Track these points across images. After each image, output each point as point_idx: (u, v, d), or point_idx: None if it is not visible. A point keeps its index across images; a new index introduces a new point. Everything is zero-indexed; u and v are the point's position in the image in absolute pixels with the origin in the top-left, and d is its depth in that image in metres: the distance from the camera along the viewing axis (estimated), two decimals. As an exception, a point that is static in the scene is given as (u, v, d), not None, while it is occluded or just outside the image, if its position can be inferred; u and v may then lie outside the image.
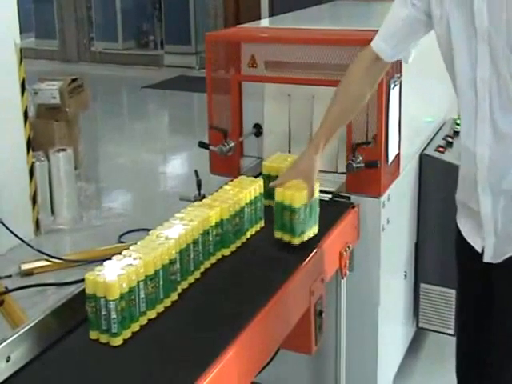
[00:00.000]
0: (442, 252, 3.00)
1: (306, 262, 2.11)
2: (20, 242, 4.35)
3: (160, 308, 1.82)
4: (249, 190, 2.22)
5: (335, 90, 2.20)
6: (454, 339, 3.08)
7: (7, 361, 1.62)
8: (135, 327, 1.74)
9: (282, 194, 2.14)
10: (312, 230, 2.20)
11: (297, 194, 2.11)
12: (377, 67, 2.17)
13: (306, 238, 2.17)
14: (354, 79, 2.19)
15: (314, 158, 2.16)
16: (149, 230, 1.98)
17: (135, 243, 1.86)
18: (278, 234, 2.19)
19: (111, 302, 1.66)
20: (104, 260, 1.79)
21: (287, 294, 1.96)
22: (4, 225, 4.19)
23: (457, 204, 2.06)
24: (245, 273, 2.08)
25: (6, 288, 3.54)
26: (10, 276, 4.17)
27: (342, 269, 2.38)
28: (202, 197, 2.47)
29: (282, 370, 2.62)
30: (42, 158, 5.02)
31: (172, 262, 1.84)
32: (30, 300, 3.79)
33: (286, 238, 2.17)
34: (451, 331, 3.08)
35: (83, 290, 1.72)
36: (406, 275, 2.98)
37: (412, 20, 2.02)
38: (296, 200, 2.11)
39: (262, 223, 2.30)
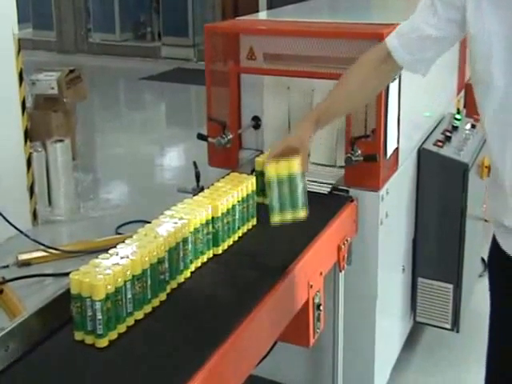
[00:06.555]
0: (440, 246, 3.01)
1: (302, 256, 2.08)
2: (17, 232, 4.34)
3: (148, 308, 1.77)
4: (241, 187, 2.17)
5: (341, 77, 2.03)
6: (450, 333, 3.14)
7: (6, 350, 1.61)
8: (122, 328, 1.69)
9: (274, 168, 1.91)
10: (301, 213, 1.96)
11: (292, 161, 1.90)
12: (387, 66, 1.96)
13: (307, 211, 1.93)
14: (361, 70, 1.99)
15: (309, 128, 1.98)
16: (146, 221, 1.97)
17: (130, 236, 1.82)
18: (276, 218, 1.94)
19: (97, 303, 1.61)
20: (101, 251, 1.77)
21: (284, 289, 1.95)
22: (1, 215, 4.18)
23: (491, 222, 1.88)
24: (238, 271, 2.03)
25: (3, 278, 3.53)
26: (7, 266, 4.18)
27: (340, 262, 2.39)
28: (200, 189, 2.47)
29: (280, 362, 2.63)
30: (40, 149, 5.01)
31: (160, 261, 1.79)
32: (27, 290, 3.79)
33: (289, 216, 1.94)
34: (448, 325, 3.09)
35: (68, 290, 1.67)
36: (403, 269, 2.98)
37: (438, 37, 1.84)
38: (293, 167, 1.90)
39: (254, 221, 2.25)
